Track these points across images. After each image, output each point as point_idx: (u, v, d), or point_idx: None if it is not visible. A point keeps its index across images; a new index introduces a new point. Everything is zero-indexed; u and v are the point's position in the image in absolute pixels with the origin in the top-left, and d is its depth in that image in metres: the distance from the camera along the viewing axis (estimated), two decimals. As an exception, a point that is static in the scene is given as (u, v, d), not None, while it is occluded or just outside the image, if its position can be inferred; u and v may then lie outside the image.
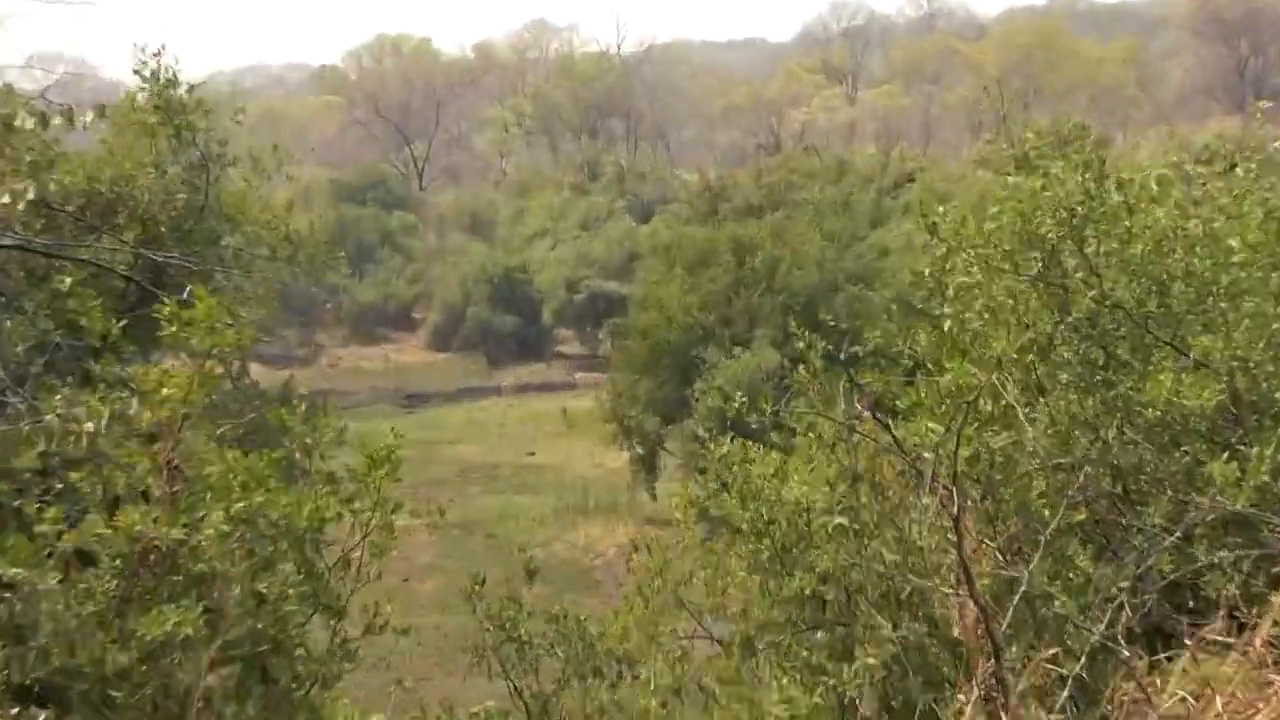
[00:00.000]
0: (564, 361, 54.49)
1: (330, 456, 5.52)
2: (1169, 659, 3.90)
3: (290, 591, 4.57)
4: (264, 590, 4.42)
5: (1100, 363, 5.67)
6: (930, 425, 4.88)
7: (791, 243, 28.76)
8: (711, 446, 5.90)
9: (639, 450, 28.47)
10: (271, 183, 11.35)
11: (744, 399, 5.61)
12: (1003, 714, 3.83)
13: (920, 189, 41.45)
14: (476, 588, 6.59)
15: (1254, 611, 3.97)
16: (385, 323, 59.43)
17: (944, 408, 5.05)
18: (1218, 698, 3.54)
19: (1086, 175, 5.65)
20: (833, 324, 6.81)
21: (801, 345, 5.71)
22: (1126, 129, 68.12)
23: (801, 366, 5.64)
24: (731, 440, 5.91)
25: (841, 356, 5.20)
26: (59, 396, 3.89)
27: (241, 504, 4.45)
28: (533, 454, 38.04)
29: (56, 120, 4.14)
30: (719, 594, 6.33)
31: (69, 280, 5.59)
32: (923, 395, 5.29)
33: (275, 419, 5.44)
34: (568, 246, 55.50)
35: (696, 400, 24.63)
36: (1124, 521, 5.26)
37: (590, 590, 24.05)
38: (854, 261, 28.50)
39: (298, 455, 5.40)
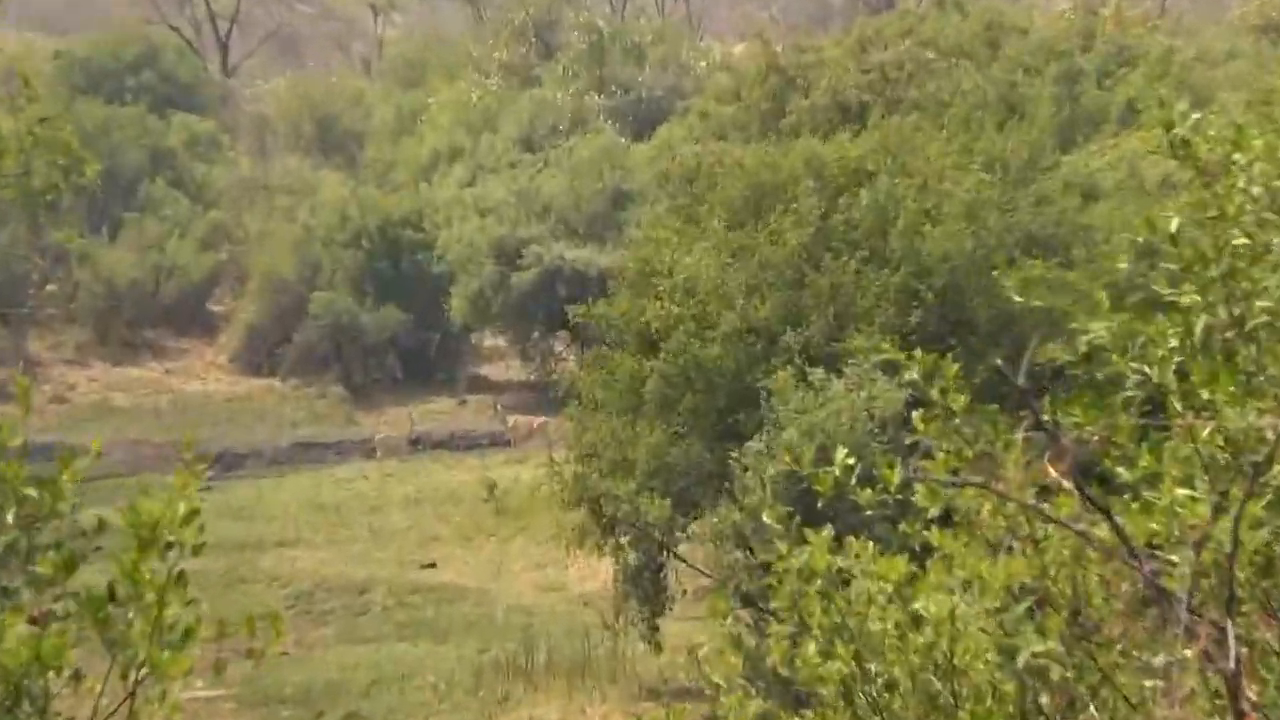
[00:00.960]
0: (489, 393, 54.53)
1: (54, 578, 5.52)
2: None
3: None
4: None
5: None
6: (1186, 497, 4.91)
7: (920, 173, 28.82)
8: (782, 549, 5.93)
9: (631, 560, 28.45)
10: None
11: (851, 458, 5.59)
12: None
13: (1153, 75, 41.59)
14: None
15: None
16: (159, 320, 59.48)
17: (1207, 476, 5.09)
18: None
19: None
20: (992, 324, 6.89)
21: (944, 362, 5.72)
22: None
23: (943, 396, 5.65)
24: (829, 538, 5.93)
25: (1019, 381, 5.24)
26: None
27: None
28: (432, 565, 38.04)
29: None
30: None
31: None
32: (1168, 453, 5.33)
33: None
34: (498, 180, 55.71)
35: (746, 469, 24.53)
36: None
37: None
38: (1032, 210, 28.58)
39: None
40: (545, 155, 56.50)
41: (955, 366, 5.86)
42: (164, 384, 55.45)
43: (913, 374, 5.85)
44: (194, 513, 5.12)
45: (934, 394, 5.82)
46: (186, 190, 63.14)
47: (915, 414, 5.93)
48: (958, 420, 5.82)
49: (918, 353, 5.89)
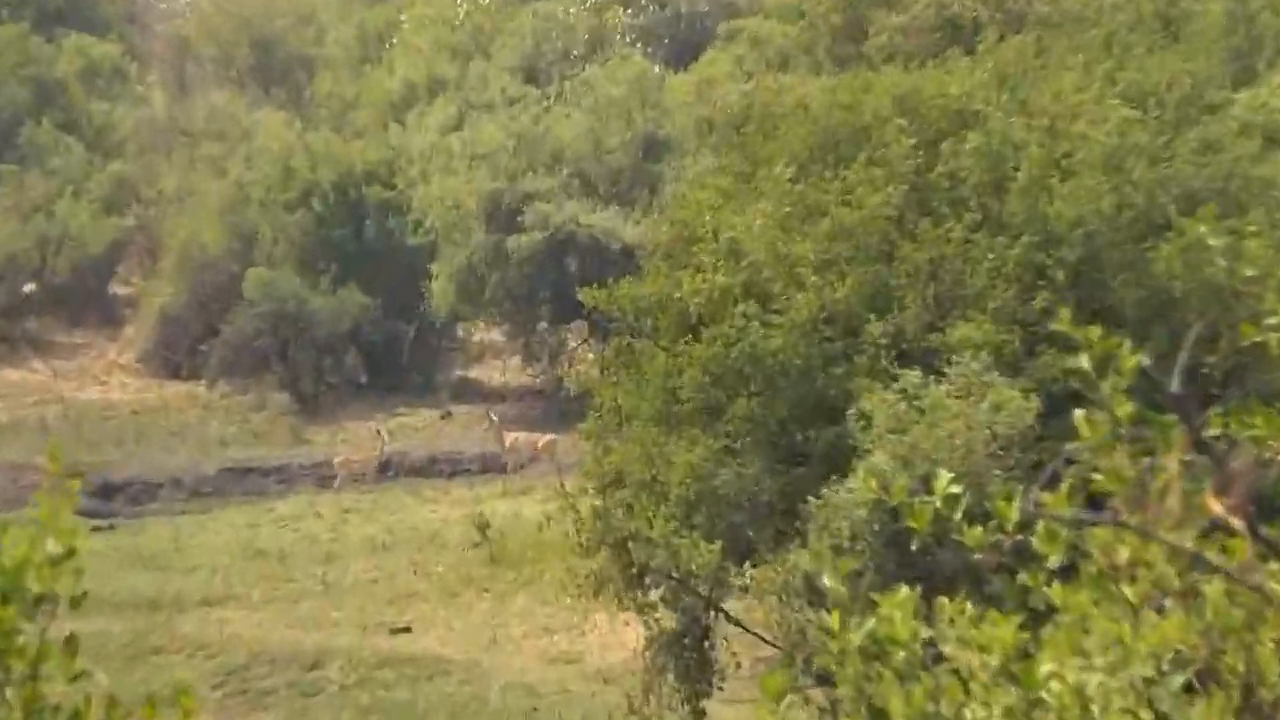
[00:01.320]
0: (481, 403, 54.60)
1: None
2: None
3: None
4: None
5: None
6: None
7: (1046, 112, 28.76)
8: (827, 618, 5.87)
9: (668, 623, 28.47)
10: None
11: (957, 486, 5.55)
12: None
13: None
14: None
15: None
16: (46, 306, 59.75)
17: None
18: None
19: None
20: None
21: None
22: None
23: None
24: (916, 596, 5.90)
25: (1173, 386, 5.21)
26: None
27: None
28: (406, 629, 38.12)
29: None
30: None
31: None
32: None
33: None
34: (493, 121, 55.76)
35: (825, 504, 24.48)
36: None
37: None
38: (1195, 160, 28.53)
39: None
40: (555, 89, 56.49)
41: (1134, 359, 5.80)
42: (52, 390, 55.60)
43: (1083, 362, 5.77)
44: (71, 552, 5.07)
45: (1106, 390, 5.75)
46: (81, 135, 63.25)
47: (1078, 413, 5.85)
48: (1123, 431, 5.77)
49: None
